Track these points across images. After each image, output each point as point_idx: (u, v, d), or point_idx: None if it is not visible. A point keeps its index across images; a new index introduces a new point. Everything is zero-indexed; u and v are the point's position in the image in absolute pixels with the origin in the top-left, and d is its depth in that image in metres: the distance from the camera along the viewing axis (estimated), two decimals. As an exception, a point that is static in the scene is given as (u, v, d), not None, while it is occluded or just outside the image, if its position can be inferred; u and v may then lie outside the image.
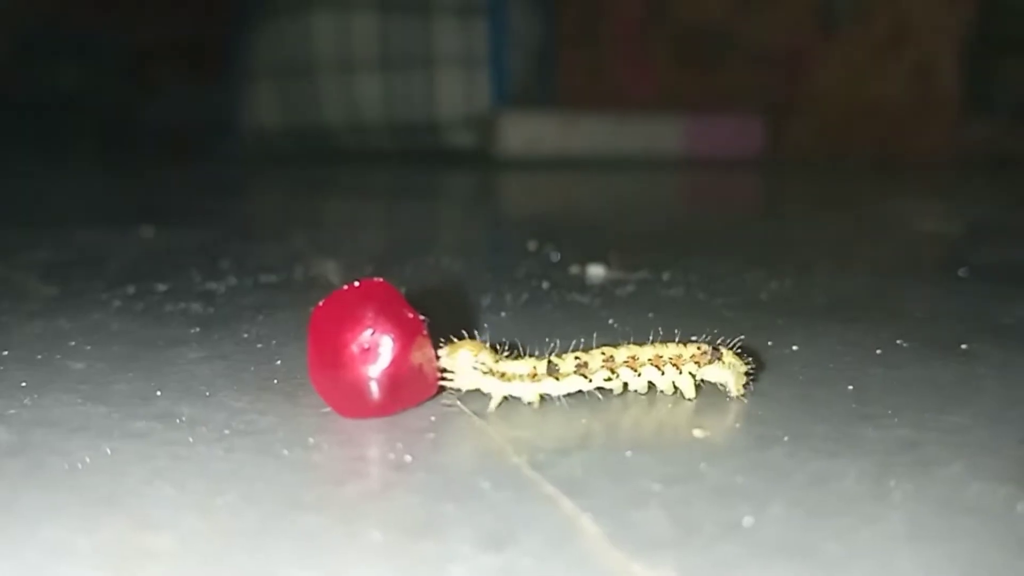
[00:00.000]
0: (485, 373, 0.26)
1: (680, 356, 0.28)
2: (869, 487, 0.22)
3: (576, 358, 0.27)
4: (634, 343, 0.28)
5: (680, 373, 0.28)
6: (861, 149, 1.41)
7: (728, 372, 0.28)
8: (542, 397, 0.27)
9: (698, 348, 0.28)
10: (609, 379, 0.27)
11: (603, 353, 0.27)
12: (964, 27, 1.38)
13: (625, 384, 0.28)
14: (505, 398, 0.27)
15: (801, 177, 1.21)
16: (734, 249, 0.61)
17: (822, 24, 1.44)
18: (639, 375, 0.28)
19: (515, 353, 0.28)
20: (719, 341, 0.29)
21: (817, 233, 0.70)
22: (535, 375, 0.26)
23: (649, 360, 0.28)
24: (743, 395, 0.28)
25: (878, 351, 0.34)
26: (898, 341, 0.35)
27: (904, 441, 0.25)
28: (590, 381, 0.27)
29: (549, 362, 0.27)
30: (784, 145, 1.40)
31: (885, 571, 0.18)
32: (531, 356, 0.27)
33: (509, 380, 0.26)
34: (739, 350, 0.29)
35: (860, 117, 1.43)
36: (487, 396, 0.27)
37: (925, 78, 1.40)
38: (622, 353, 0.27)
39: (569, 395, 0.27)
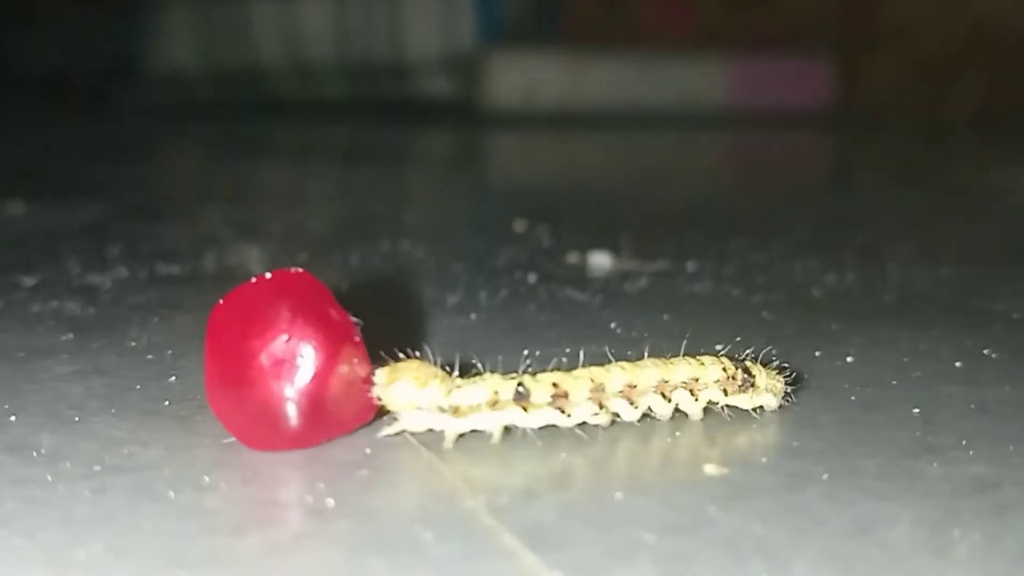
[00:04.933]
0: (432, 411, 0.26)
1: (698, 380, 0.28)
2: (926, 538, 0.22)
3: (554, 385, 0.27)
4: (634, 362, 0.28)
5: (696, 400, 0.28)
6: (961, 92, 1.41)
7: (763, 398, 0.29)
8: (507, 428, 0.27)
9: (724, 370, 0.28)
10: (596, 414, 0.27)
11: (592, 380, 0.27)
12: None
13: (616, 415, 0.28)
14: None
15: (880, 136, 1.21)
16: (785, 231, 0.61)
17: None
18: (637, 407, 0.28)
19: (473, 372, 0.28)
20: (747, 354, 0.29)
21: (894, 210, 0.71)
22: (496, 402, 0.26)
23: (653, 389, 0.27)
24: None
25: (957, 364, 0.34)
26: (985, 351, 0.35)
27: (978, 481, 0.25)
28: (569, 416, 0.27)
29: (518, 386, 0.27)
30: (860, 93, 1.40)
31: (935, 646, 0.19)
32: (493, 374, 0.27)
33: (464, 415, 0.26)
34: (775, 362, 0.29)
35: (960, 49, 1.41)
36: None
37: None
38: (617, 379, 0.27)
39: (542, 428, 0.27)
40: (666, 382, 0.28)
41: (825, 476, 0.25)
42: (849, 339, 0.37)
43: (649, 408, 0.28)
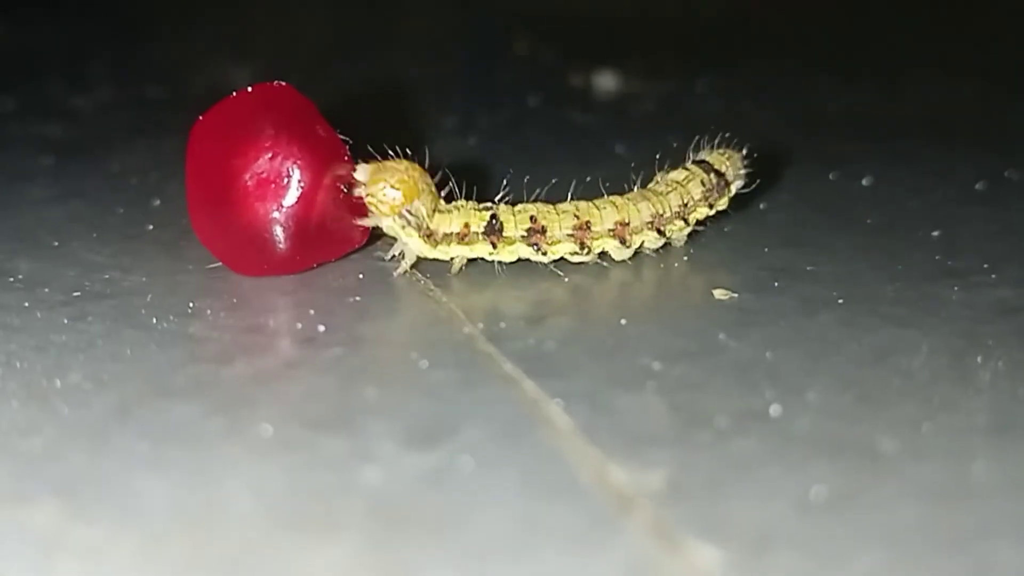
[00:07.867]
0: (409, 225, 0.25)
1: (687, 205, 0.27)
2: (947, 365, 0.22)
3: (531, 219, 0.25)
4: (623, 197, 0.26)
5: (688, 224, 0.27)
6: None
7: (735, 186, 0.28)
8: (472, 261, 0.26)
9: (703, 183, 0.27)
10: (577, 252, 0.26)
11: (576, 212, 0.25)
12: None
13: (603, 254, 0.26)
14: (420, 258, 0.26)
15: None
16: (798, 49, 0.59)
17: None
18: (628, 245, 0.26)
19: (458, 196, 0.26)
20: (696, 153, 0.28)
21: (915, 26, 0.68)
22: (466, 235, 0.25)
23: (648, 223, 0.26)
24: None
25: (978, 186, 0.33)
26: (1007, 173, 0.34)
27: (1001, 305, 0.24)
28: (544, 254, 0.26)
29: (492, 218, 0.25)
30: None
31: (958, 475, 0.18)
32: (471, 203, 0.26)
33: (435, 244, 0.25)
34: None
35: None
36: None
37: None
38: (608, 215, 0.26)
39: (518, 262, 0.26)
40: (661, 215, 0.26)
41: (841, 301, 0.25)
42: (866, 160, 0.36)
43: (642, 244, 0.27)
